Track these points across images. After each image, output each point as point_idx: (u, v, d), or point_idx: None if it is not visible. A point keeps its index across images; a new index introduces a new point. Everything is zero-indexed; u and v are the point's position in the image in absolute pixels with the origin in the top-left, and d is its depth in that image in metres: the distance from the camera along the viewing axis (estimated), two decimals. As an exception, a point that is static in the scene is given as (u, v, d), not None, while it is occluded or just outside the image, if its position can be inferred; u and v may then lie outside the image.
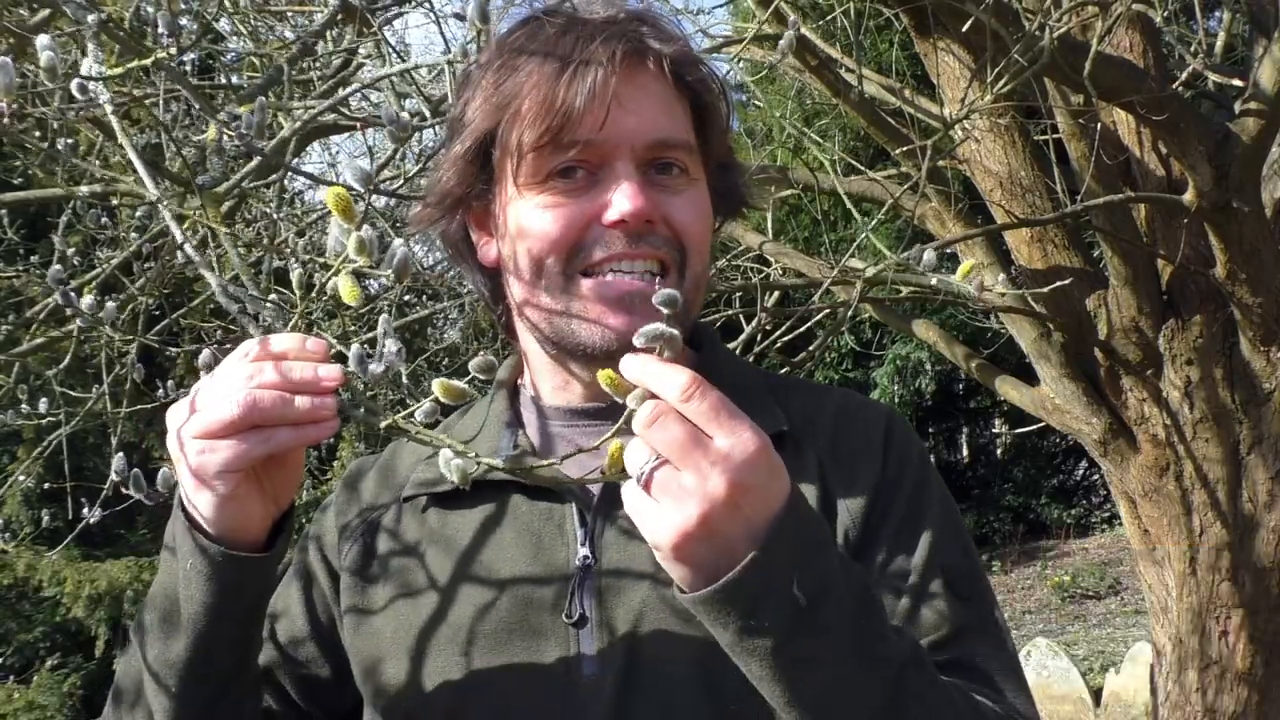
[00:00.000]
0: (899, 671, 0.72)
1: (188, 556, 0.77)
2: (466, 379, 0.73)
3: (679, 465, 0.66)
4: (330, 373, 0.73)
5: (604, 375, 0.68)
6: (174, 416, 0.75)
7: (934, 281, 1.41)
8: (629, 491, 0.69)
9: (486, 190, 0.91)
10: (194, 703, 0.82)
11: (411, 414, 0.71)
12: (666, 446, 0.66)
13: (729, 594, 0.67)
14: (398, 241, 0.70)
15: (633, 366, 0.68)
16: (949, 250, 3.58)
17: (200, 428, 0.72)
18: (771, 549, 0.66)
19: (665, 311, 0.68)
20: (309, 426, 0.73)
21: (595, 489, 0.90)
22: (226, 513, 0.75)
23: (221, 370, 0.75)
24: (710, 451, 0.66)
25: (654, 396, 0.67)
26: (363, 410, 0.74)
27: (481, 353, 0.71)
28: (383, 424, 0.72)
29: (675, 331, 0.67)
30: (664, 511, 0.66)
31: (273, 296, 0.82)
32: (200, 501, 0.75)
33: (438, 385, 0.70)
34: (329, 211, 0.68)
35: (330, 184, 0.68)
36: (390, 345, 0.70)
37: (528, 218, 0.87)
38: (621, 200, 0.84)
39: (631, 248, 0.85)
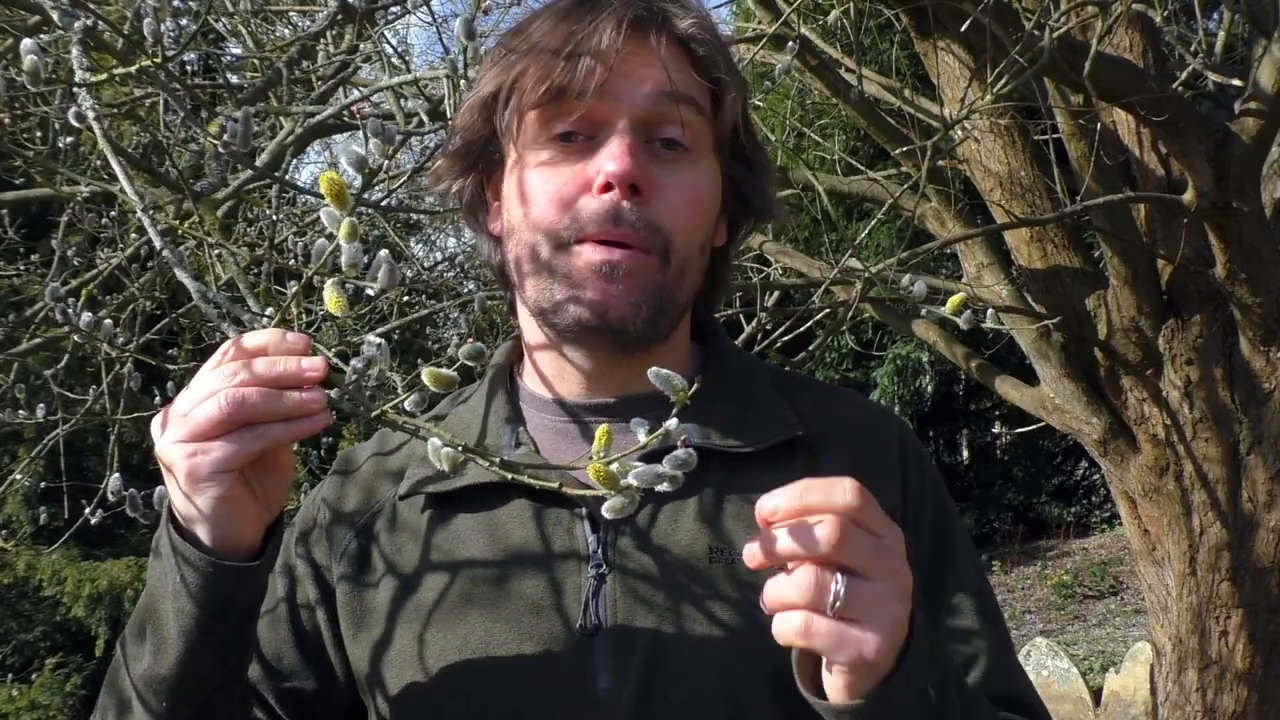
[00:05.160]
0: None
1: (177, 569, 0.75)
2: (455, 366, 0.72)
3: (873, 575, 0.64)
4: (314, 364, 0.71)
5: (594, 470, 0.62)
6: (159, 425, 0.74)
7: (924, 313, 1.42)
8: (815, 625, 0.65)
9: (496, 152, 0.90)
10: (183, 716, 0.80)
11: (400, 404, 0.70)
12: (863, 560, 0.64)
13: (891, 693, 0.67)
14: (383, 253, 0.69)
15: (786, 505, 0.66)
16: (949, 250, 3.58)
17: (189, 430, 0.71)
18: (917, 643, 0.68)
19: (678, 474, 0.62)
20: (301, 420, 0.71)
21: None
22: (223, 516, 0.73)
23: (203, 371, 0.73)
24: (892, 552, 0.66)
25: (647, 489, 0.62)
26: (350, 401, 0.72)
27: (470, 340, 0.70)
28: (371, 414, 0.71)
29: (679, 476, 0.62)
30: (868, 628, 0.65)
31: (269, 310, 0.81)
32: (196, 506, 0.73)
33: (427, 374, 0.69)
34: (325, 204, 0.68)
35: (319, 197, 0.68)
36: (370, 342, 0.70)
37: (524, 182, 0.86)
38: (608, 162, 0.82)
39: (614, 226, 0.83)
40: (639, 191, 0.83)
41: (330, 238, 0.68)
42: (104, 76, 0.88)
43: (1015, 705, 0.87)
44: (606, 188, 0.83)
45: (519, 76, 0.84)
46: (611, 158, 0.82)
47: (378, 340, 0.70)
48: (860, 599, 0.64)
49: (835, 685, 0.67)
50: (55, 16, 0.87)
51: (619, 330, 0.85)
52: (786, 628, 0.66)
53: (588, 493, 0.66)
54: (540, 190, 0.85)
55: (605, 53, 0.81)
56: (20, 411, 2.26)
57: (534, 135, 0.86)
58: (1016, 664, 0.92)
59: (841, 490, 0.65)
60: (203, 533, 0.74)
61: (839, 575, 0.64)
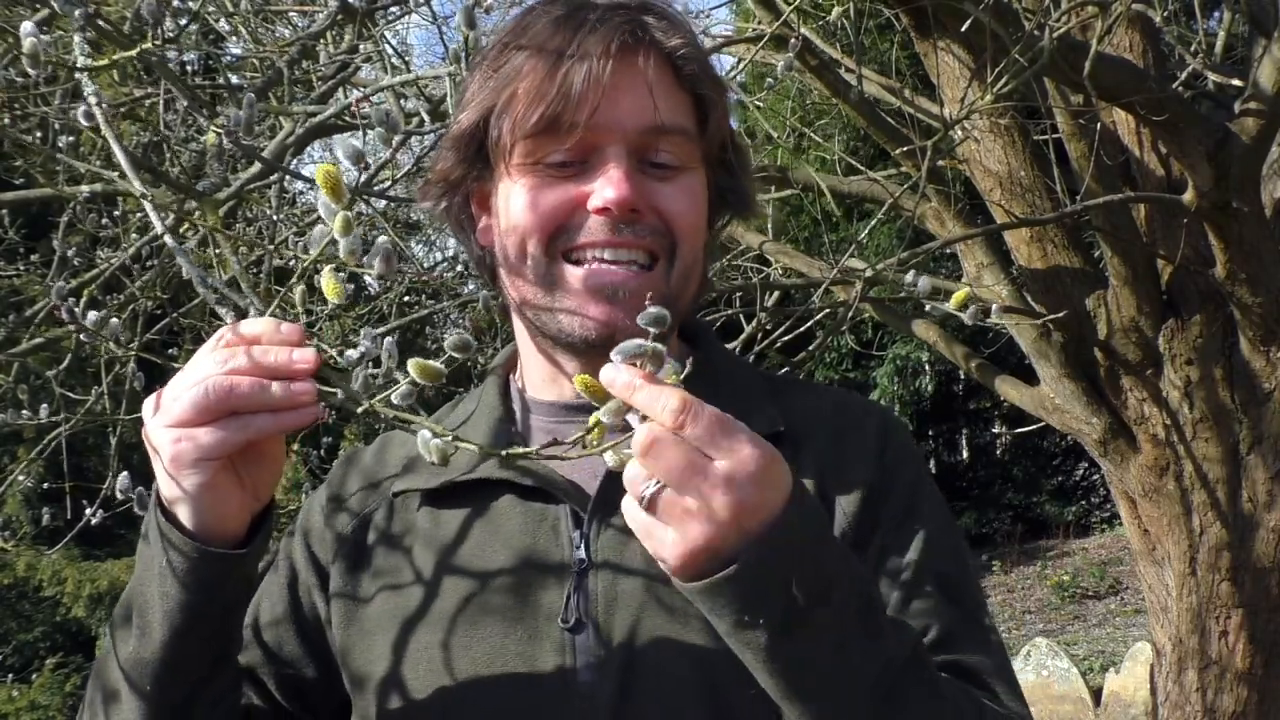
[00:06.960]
0: (898, 671, 0.72)
1: (164, 553, 0.75)
2: (442, 359, 0.72)
3: (680, 491, 0.64)
4: (305, 356, 0.71)
5: (580, 380, 0.66)
6: (148, 408, 0.74)
7: (928, 309, 1.42)
8: (630, 509, 0.67)
9: (485, 170, 0.91)
10: (168, 702, 0.80)
11: (388, 396, 0.70)
12: (666, 474, 0.64)
13: (722, 590, 0.67)
14: (382, 238, 0.69)
15: (621, 384, 0.65)
16: (949, 250, 3.58)
17: (175, 416, 0.71)
18: (767, 553, 0.66)
19: (652, 332, 0.65)
20: (288, 413, 0.71)
21: (591, 490, 0.89)
22: (205, 504, 0.73)
23: (195, 358, 0.73)
24: (710, 476, 0.64)
25: (632, 409, 0.65)
26: (340, 394, 0.72)
27: (457, 332, 0.70)
28: (360, 408, 0.71)
29: (660, 347, 0.65)
30: (669, 533, 0.66)
31: (274, 307, 0.81)
32: (178, 492, 0.73)
33: (414, 365, 0.69)
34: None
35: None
36: (367, 333, 0.70)
37: (515, 199, 0.87)
38: (606, 188, 0.83)
39: (614, 235, 0.85)
40: (637, 211, 0.85)
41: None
42: (105, 63, 0.88)
43: (961, 672, 0.84)
44: (605, 211, 0.84)
45: (510, 100, 0.85)
46: (610, 184, 0.84)
47: (374, 333, 0.70)
48: (664, 505, 0.65)
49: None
50: (55, 5, 0.87)
51: None
52: (623, 505, 0.69)
53: (587, 452, 0.68)
54: (530, 207, 0.86)
55: (596, 80, 0.82)
56: (24, 411, 2.26)
57: (524, 156, 0.86)
58: (982, 636, 0.89)
59: (666, 405, 0.64)
60: (186, 518, 0.75)
61: (653, 480, 0.65)
